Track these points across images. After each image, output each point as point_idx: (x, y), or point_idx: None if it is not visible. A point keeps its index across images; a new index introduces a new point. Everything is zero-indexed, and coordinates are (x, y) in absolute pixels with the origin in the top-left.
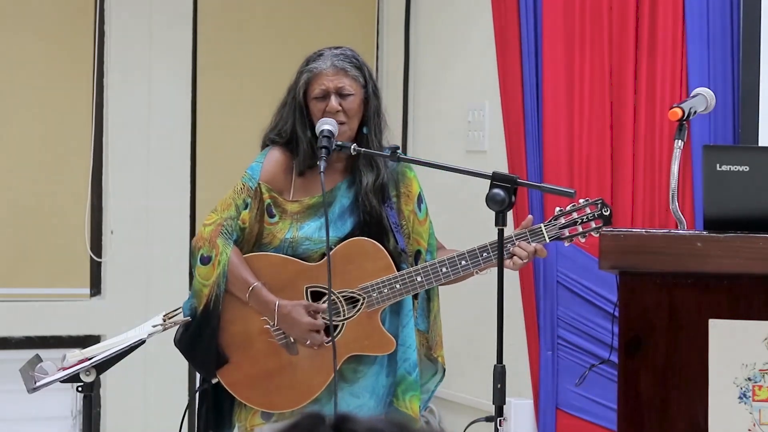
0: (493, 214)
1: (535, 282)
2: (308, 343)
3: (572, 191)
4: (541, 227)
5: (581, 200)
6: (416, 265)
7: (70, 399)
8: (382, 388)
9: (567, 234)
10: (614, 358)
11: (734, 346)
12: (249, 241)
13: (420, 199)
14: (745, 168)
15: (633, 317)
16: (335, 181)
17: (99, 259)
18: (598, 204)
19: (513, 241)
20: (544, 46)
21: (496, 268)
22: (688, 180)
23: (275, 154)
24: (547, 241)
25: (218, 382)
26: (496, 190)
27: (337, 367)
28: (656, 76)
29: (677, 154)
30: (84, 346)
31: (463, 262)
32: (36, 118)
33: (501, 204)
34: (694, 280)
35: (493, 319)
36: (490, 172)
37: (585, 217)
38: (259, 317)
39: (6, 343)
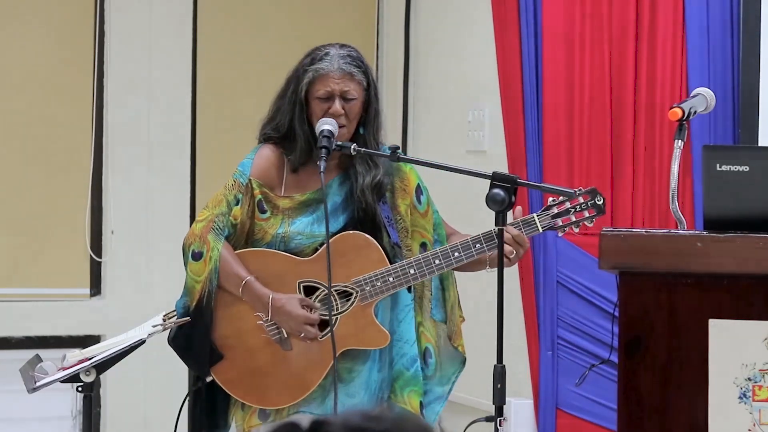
0: (493, 214)
1: (535, 282)
2: (302, 336)
3: (572, 191)
4: (533, 217)
5: (574, 189)
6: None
7: (70, 399)
8: (374, 383)
9: (560, 223)
10: (614, 358)
11: (734, 346)
12: (240, 237)
13: (419, 191)
14: (745, 168)
15: (633, 317)
16: (327, 179)
17: (99, 259)
18: (590, 193)
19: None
20: (544, 46)
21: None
22: (688, 180)
23: (266, 151)
24: (540, 230)
25: (212, 382)
26: (496, 190)
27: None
28: (656, 76)
29: (677, 154)
30: (84, 346)
31: (456, 254)
32: (36, 117)
33: (501, 204)
34: (694, 280)
35: (492, 319)
36: (490, 172)
37: (578, 206)
38: (252, 313)
39: (6, 343)
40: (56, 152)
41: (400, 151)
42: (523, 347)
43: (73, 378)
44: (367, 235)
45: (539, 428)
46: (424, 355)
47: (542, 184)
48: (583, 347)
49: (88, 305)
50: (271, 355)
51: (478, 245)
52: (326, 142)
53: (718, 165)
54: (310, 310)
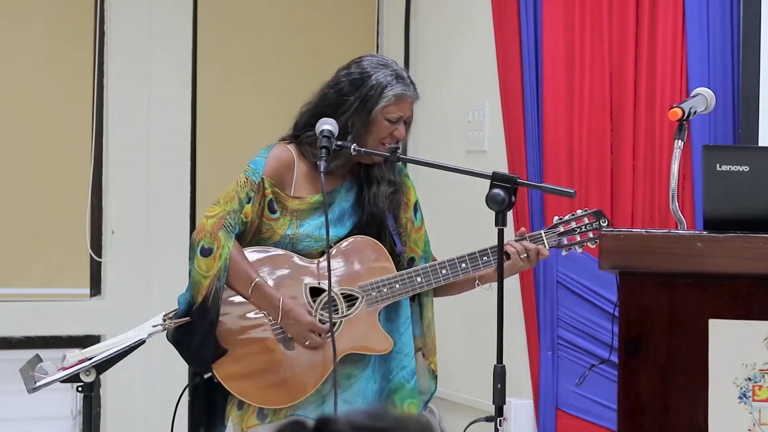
0: (493, 214)
1: (535, 282)
2: (307, 343)
3: (572, 191)
4: (541, 233)
5: (579, 210)
6: None
7: (70, 399)
8: (371, 393)
9: (565, 242)
10: (614, 358)
11: (734, 346)
12: (249, 235)
13: (416, 208)
14: (745, 168)
15: (633, 317)
16: (336, 183)
17: (99, 259)
18: (595, 215)
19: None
20: (544, 46)
21: (495, 283)
22: (688, 180)
23: (280, 150)
24: (547, 247)
25: (211, 379)
26: (496, 190)
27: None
28: (656, 76)
29: (677, 154)
30: (84, 346)
31: (463, 265)
32: (36, 117)
33: (501, 204)
34: (694, 280)
35: (493, 319)
36: (490, 172)
37: (583, 227)
38: (254, 312)
39: (6, 343)
40: (56, 152)
41: (399, 151)
42: (523, 347)
43: (73, 378)
44: (376, 241)
45: (539, 428)
46: None
47: (542, 184)
48: (583, 347)
49: (88, 305)
50: (272, 355)
51: (485, 257)
52: (326, 142)
53: (718, 165)
54: (316, 317)
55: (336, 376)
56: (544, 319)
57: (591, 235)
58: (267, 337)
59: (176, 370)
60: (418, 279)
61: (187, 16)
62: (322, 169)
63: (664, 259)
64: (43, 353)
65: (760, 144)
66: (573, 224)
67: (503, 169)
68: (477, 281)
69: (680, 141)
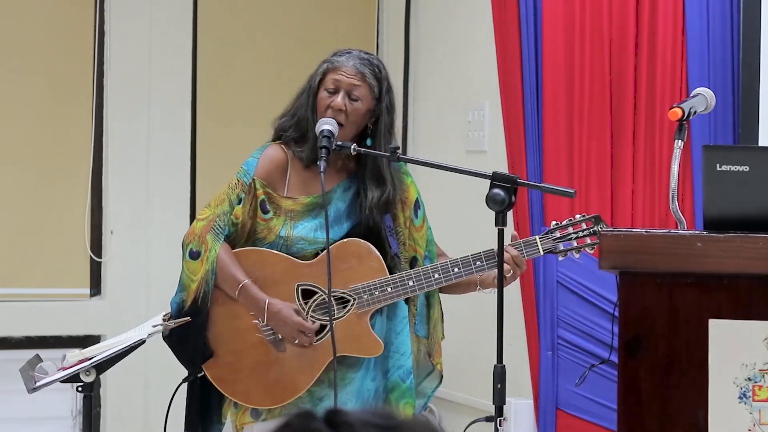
0: (493, 214)
1: (535, 282)
2: (296, 342)
3: (572, 191)
4: (536, 239)
5: (578, 215)
6: None
7: (70, 399)
8: (366, 392)
9: (561, 247)
10: (614, 358)
11: (734, 346)
12: (242, 236)
13: (417, 205)
14: (745, 168)
15: (633, 317)
16: (332, 183)
17: (99, 259)
18: (594, 220)
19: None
20: (544, 46)
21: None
22: (688, 180)
23: (272, 150)
24: (541, 253)
25: (206, 379)
26: (496, 190)
27: (324, 369)
28: (656, 76)
29: (677, 154)
30: (84, 346)
31: (456, 270)
32: (36, 117)
33: (501, 204)
34: (694, 280)
35: (492, 319)
36: (490, 172)
37: (580, 232)
38: (246, 313)
39: (6, 343)
40: (56, 152)
41: (399, 151)
42: (523, 347)
43: (73, 378)
44: (369, 244)
45: (539, 428)
46: None
47: (542, 184)
48: (583, 347)
49: (88, 305)
50: (264, 356)
51: (478, 262)
52: (326, 142)
53: (718, 165)
54: (306, 317)
55: (336, 377)
56: (544, 319)
57: (589, 240)
58: (257, 338)
59: (176, 370)
60: (410, 283)
61: (187, 16)
62: (322, 169)
63: (664, 259)
64: (43, 353)
65: (760, 144)
66: (570, 229)
67: (503, 169)
68: (479, 287)
69: (680, 141)
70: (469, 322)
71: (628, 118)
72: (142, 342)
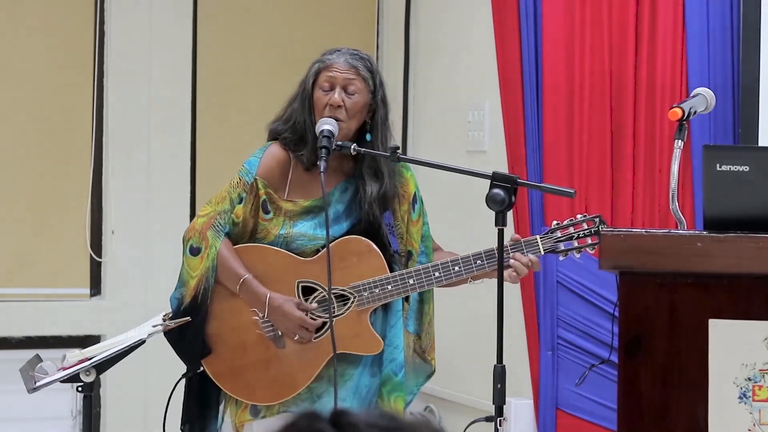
0: (493, 214)
1: (535, 282)
2: (296, 338)
3: (572, 191)
4: (536, 239)
5: (579, 215)
6: (407, 266)
7: (70, 399)
8: (364, 388)
9: (562, 248)
10: (614, 358)
11: (734, 346)
12: (243, 234)
13: (415, 200)
14: (745, 168)
15: (633, 317)
16: (331, 185)
17: (99, 259)
18: (595, 220)
19: (508, 251)
20: (544, 46)
21: (489, 279)
22: (688, 180)
23: (275, 150)
24: (542, 252)
25: (205, 375)
26: (496, 190)
27: (324, 366)
28: (656, 76)
29: (677, 154)
30: (84, 346)
31: (456, 268)
32: (36, 117)
33: (501, 204)
34: (694, 280)
35: (492, 319)
36: (490, 172)
37: (582, 232)
38: (247, 309)
39: (6, 343)
40: (56, 152)
41: (399, 151)
42: (523, 347)
43: (73, 378)
44: (370, 242)
45: (539, 428)
46: None
47: (542, 184)
48: (583, 347)
49: (88, 305)
50: (264, 352)
51: (479, 261)
52: (326, 142)
53: (718, 165)
54: (306, 314)
55: (336, 374)
56: (544, 319)
57: (590, 240)
58: (258, 335)
59: (177, 369)
60: (411, 281)
61: (187, 16)
62: (322, 169)
63: (664, 259)
64: (43, 353)
65: (760, 144)
66: (571, 229)
67: (503, 169)
68: (470, 279)
69: (680, 141)
70: (469, 322)
71: (628, 118)
72: (142, 342)
